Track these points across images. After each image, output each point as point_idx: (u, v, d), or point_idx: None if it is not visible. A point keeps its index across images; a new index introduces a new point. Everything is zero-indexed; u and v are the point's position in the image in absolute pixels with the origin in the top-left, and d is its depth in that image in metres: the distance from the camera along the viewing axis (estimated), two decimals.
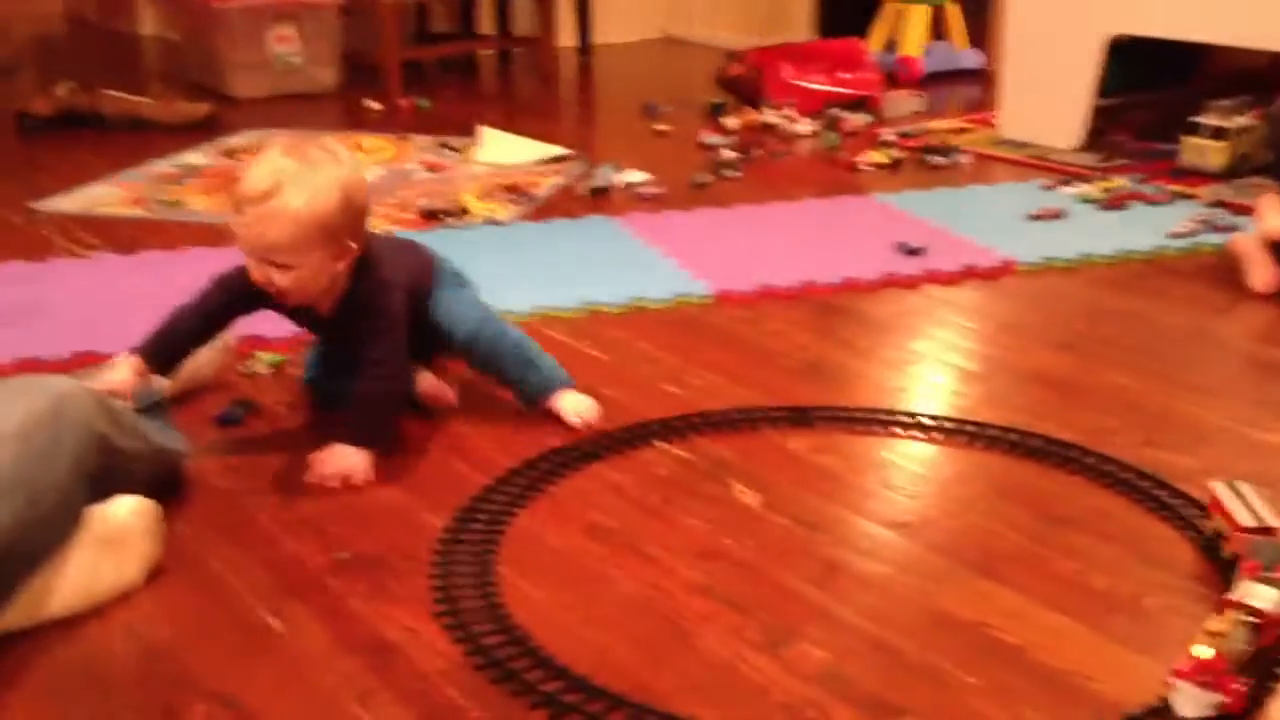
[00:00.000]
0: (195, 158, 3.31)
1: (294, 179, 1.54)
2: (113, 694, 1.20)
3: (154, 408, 1.64)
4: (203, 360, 1.82)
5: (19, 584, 1.26)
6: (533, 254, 2.49)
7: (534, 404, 1.76)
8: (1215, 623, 1.18)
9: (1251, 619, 1.17)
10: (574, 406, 1.75)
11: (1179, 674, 1.13)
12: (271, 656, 1.25)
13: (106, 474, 1.37)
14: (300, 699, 1.19)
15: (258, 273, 1.59)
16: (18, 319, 2.13)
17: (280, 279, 1.58)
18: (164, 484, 1.53)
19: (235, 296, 1.67)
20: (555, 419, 1.75)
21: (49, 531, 1.28)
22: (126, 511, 1.35)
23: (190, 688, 1.20)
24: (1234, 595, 1.21)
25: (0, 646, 1.26)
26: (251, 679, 1.21)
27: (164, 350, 1.66)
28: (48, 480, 1.28)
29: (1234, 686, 1.12)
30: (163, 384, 1.71)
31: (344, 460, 1.59)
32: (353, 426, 1.62)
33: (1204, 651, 1.14)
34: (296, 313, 1.71)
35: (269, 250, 1.56)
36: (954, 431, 1.71)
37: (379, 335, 1.64)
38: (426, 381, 1.79)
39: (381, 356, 1.64)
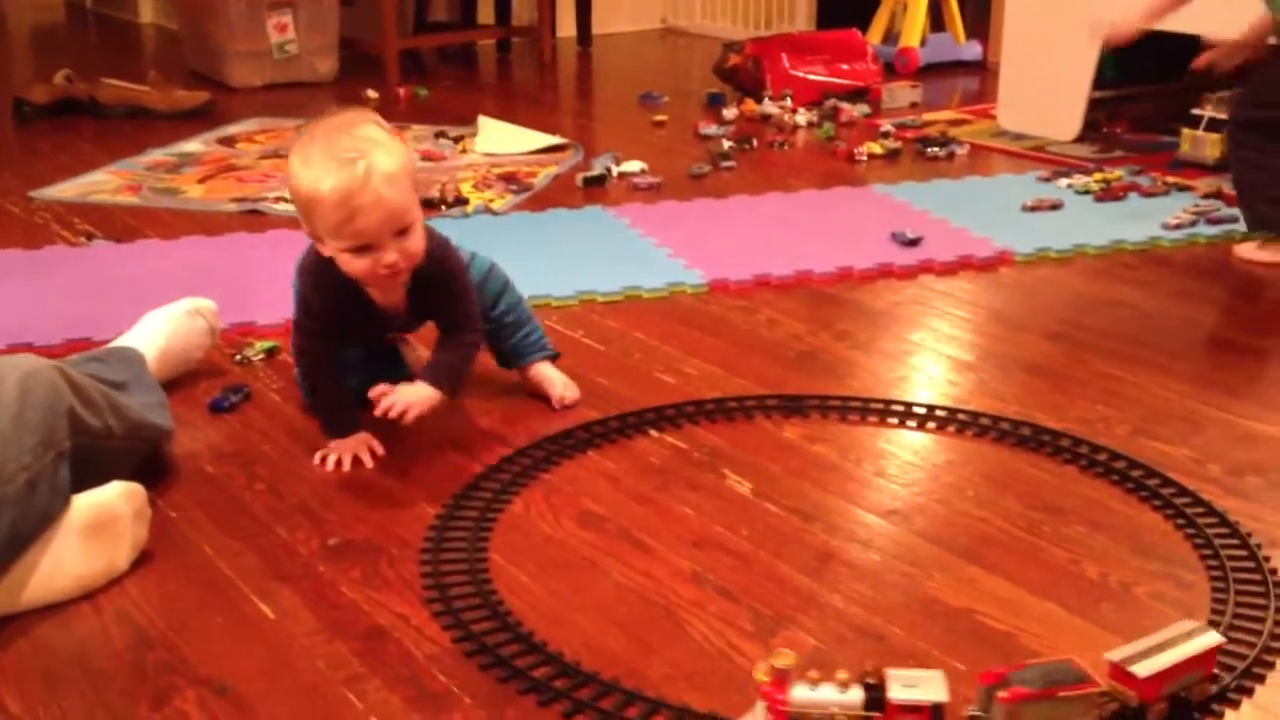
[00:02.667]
0: (193, 146, 3.31)
1: (369, 148, 1.49)
2: (104, 680, 1.20)
3: (139, 384, 1.64)
4: (191, 344, 1.82)
5: (3, 561, 1.26)
6: (529, 243, 2.49)
7: (517, 363, 1.80)
8: (787, 658, 1.07)
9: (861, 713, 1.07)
10: (564, 381, 1.79)
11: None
12: (262, 642, 1.25)
13: (82, 452, 1.37)
14: (290, 684, 1.19)
15: (389, 256, 1.52)
16: (14, 307, 2.13)
17: (409, 244, 1.54)
18: (146, 461, 1.54)
19: (330, 325, 1.63)
20: (548, 408, 1.75)
21: (24, 510, 1.28)
22: (115, 495, 1.36)
23: (181, 673, 1.20)
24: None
25: None
26: (242, 664, 1.22)
27: (349, 413, 1.65)
28: (16, 459, 1.28)
29: (782, 709, 1.06)
30: (142, 355, 1.72)
31: (417, 395, 1.59)
32: (442, 373, 1.63)
33: (760, 675, 1.07)
34: (374, 320, 1.66)
35: (397, 216, 1.51)
36: (946, 421, 1.71)
37: (465, 293, 1.67)
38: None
39: (473, 313, 1.67)
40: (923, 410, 1.74)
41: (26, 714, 1.15)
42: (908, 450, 1.66)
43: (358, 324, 1.66)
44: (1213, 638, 1.14)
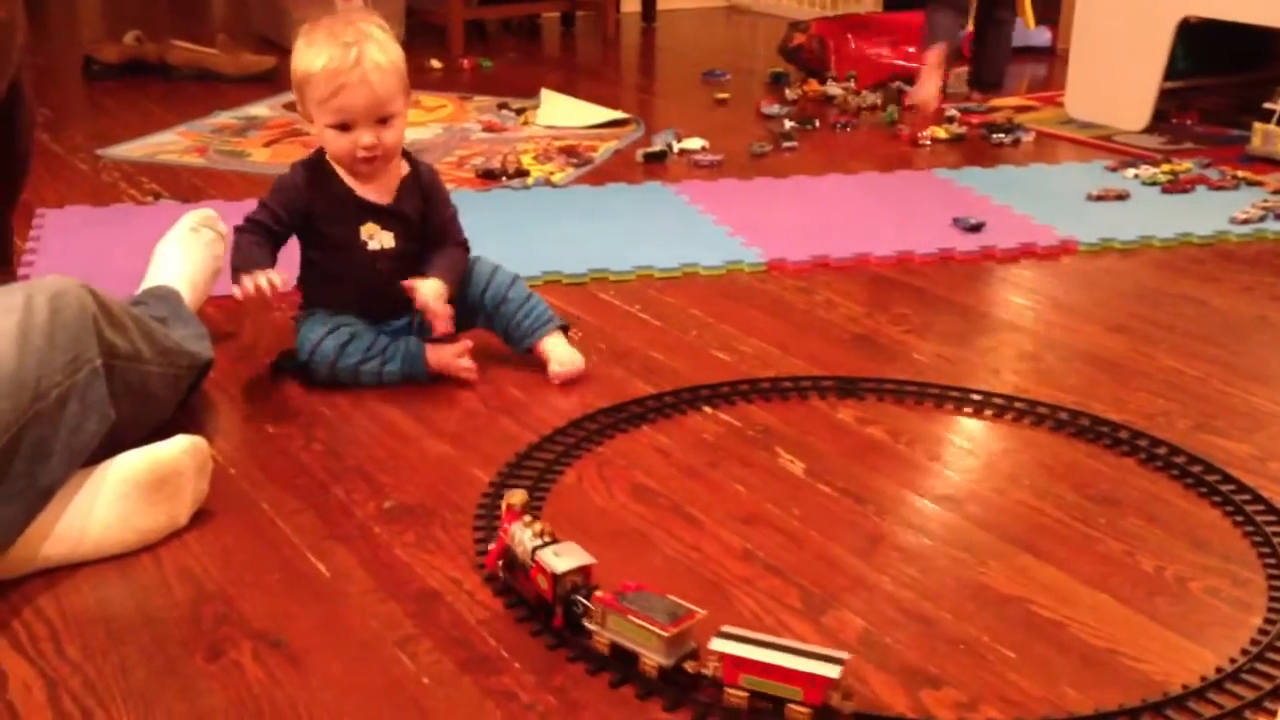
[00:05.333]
0: (259, 110, 3.34)
1: (365, 39, 1.68)
2: (163, 630, 1.22)
3: (176, 319, 1.68)
4: (209, 256, 1.90)
5: (40, 478, 1.29)
6: (587, 217, 2.50)
7: (527, 342, 1.80)
8: (519, 497, 1.29)
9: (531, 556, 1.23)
10: (561, 356, 1.78)
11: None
12: (317, 600, 1.27)
13: (117, 374, 1.39)
14: (343, 642, 1.21)
15: (366, 138, 1.68)
16: (81, 260, 2.17)
17: (386, 135, 1.69)
18: (188, 387, 1.60)
19: (291, 214, 1.74)
20: (603, 382, 1.76)
21: (53, 426, 1.30)
22: (179, 451, 1.38)
23: (237, 626, 1.22)
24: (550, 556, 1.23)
25: (57, 580, 1.30)
26: (297, 621, 1.24)
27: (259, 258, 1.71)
28: (49, 376, 1.31)
29: (503, 535, 1.27)
30: (177, 291, 1.78)
31: (433, 291, 1.72)
32: (443, 269, 1.76)
33: (503, 505, 1.29)
34: (350, 205, 1.74)
35: (380, 103, 1.67)
36: (1004, 408, 1.70)
37: (450, 204, 1.81)
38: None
39: (458, 226, 1.81)
40: (979, 396, 1.73)
41: (87, 661, 1.17)
42: (963, 436, 1.65)
43: (335, 209, 1.73)
44: (829, 669, 1.08)
